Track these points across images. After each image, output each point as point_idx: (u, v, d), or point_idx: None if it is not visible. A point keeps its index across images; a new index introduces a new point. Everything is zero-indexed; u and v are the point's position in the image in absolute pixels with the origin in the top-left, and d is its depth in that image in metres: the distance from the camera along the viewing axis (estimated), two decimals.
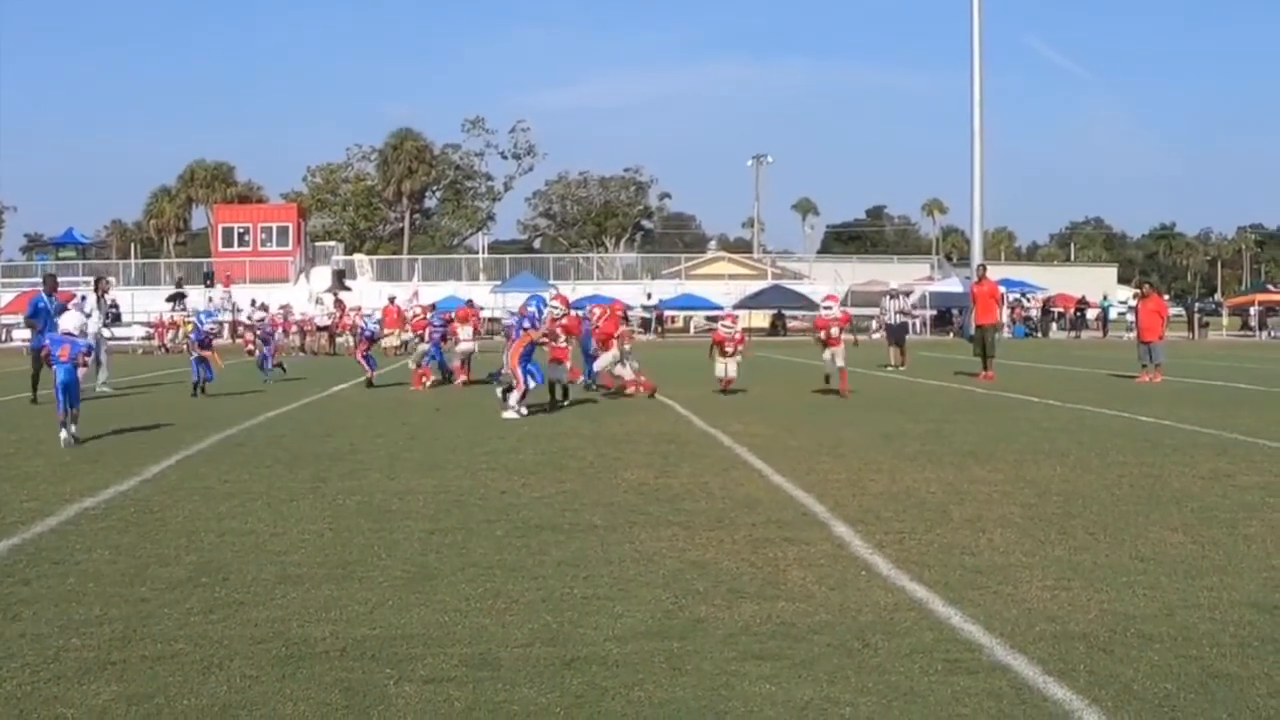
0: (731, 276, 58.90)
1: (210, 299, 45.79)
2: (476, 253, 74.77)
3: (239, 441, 10.56)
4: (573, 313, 15.56)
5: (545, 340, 13.42)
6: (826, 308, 16.65)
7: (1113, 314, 51.23)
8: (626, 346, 15.98)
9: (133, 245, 76.70)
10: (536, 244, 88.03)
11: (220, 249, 58.10)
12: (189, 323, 29.55)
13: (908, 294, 35.29)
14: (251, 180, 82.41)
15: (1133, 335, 24.65)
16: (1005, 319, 39.89)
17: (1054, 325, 51.96)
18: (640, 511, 6.86)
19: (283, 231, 58.09)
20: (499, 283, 53.97)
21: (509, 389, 12.72)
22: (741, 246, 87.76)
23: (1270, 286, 62.79)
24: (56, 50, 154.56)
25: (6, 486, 7.90)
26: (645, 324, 50.84)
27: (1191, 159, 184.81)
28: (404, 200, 78.44)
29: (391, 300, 31.95)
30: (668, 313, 52.87)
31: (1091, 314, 52.55)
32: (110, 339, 20.08)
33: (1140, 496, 7.31)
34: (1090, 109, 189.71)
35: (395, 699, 3.68)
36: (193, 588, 5.07)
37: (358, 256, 63.33)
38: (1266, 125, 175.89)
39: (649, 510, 6.91)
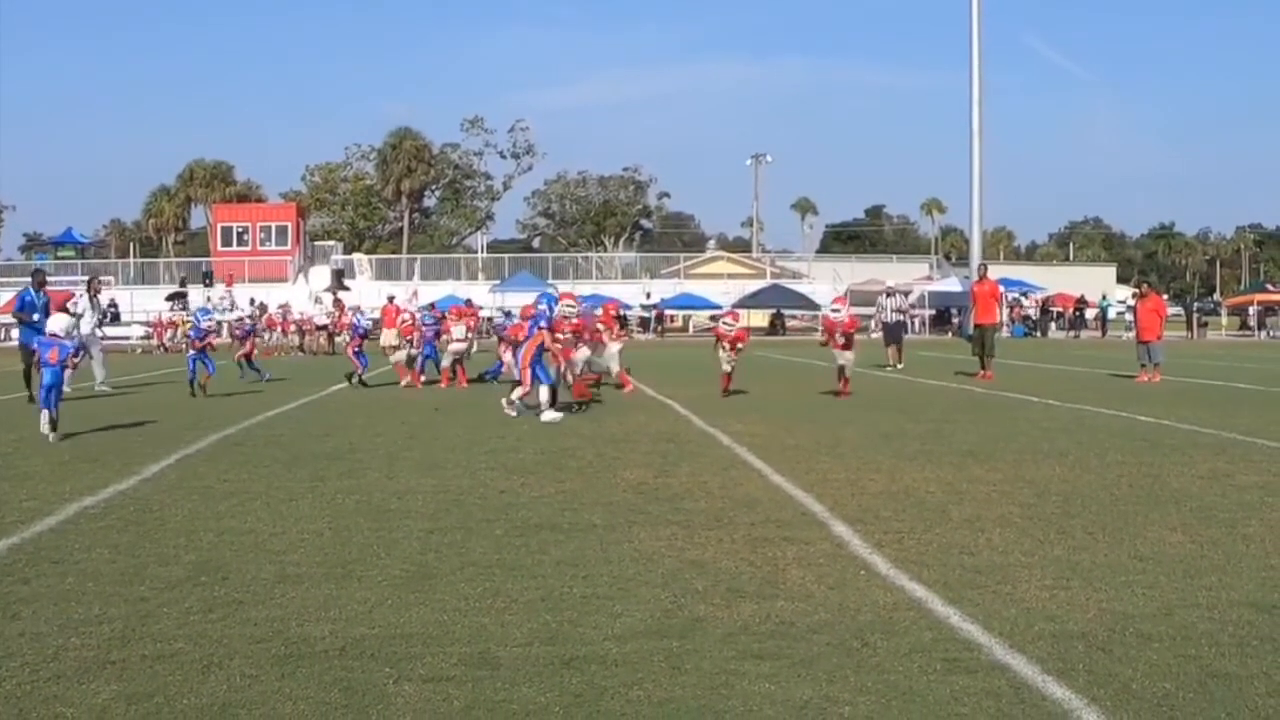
0: (730, 276, 58.92)
1: (209, 298, 45.79)
2: (475, 252, 74.78)
3: (238, 441, 10.56)
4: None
5: (558, 346, 13.14)
6: (834, 309, 16.38)
7: (1111, 314, 51.19)
8: (617, 346, 15.99)
9: (132, 245, 76.59)
10: (535, 243, 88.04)
11: (219, 248, 58.15)
12: (187, 322, 29.52)
13: (906, 294, 35.27)
14: (251, 179, 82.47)
15: (1131, 335, 24.69)
16: (1004, 319, 39.87)
17: (1053, 325, 52.00)
18: (639, 511, 6.86)
19: (282, 231, 58.15)
20: (498, 282, 53.99)
21: (515, 388, 12.57)
22: (740, 246, 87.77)
23: (1269, 286, 62.83)
24: (56, 49, 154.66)
25: (5, 486, 7.89)
26: (644, 323, 50.90)
27: (1191, 158, 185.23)
28: (403, 200, 78.39)
29: (391, 300, 31.91)
30: (667, 312, 52.89)
31: (1090, 314, 52.56)
32: (103, 339, 19.99)
33: (1139, 496, 7.31)
34: (1089, 109, 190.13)
35: (394, 698, 3.68)
36: (192, 587, 5.07)
37: (357, 256, 63.35)
38: (1266, 125, 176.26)
39: (648, 510, 6.91)
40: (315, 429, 11.61)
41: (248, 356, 19.75)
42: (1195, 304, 55.43)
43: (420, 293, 40.23)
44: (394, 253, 69.89)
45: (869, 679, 3.83)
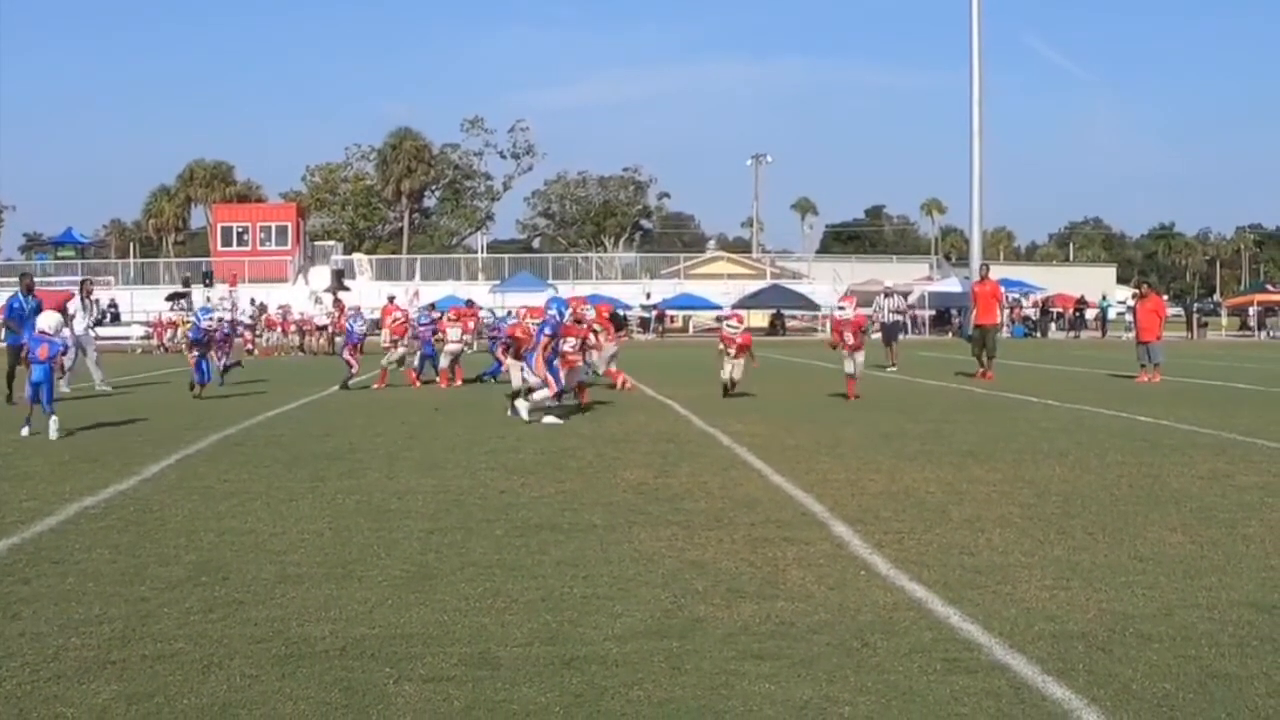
0: (730, 276, 58.93)
1: (208, 298, 45.78)
2: (475, 252, 74.78)
3: (238, 441, 10.56)
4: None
5: (572, 349, 13.04)
6: (840, 308, 15.65)
7: (1111, 314, 51.20)
8: (612, 348, 16.02)
9: (132, 245, 76.55)
10: (535, 244, 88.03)
11: (219, 248, 58.17)
12: (188, 322, 29.49)
13: (904, 294, 35.25)
14: (251, 180, 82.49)
15: (1131, 335, 24.69)
16: (1004, 319, 39.87)
17: (1053, 325, 51.99)
18: (639, 511, 6.87)
19: (282, 231, 58.19)
20: (498, 282, 54.02)
21: (529, 392, 12.45)
22: (740, 246, 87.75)
23: (1269, 286, 62.77)
24: (56, 49, 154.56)
25: (6, 486, 7.90)
26: (644, 324, 50.92)
27: (1191, 158, 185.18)
28: (403, 200, 78.41)
29: (391, 300, 31.92)
30: (667, 312, 52.89)
31: (1090, 314, 52.58)
32: (97, 339, 19.95)
33: (1139, 496, 7.31)
34: (1089, 109, 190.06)
35: (395, 698, 3.68)
36: (192, 587, 5.07)
37: (357, 256, 63.37)
38: (1266, 125, 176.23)
39: (648, 510, 6.91)
40: (315, 429, 11.61)
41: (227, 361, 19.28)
42: (1195, 304, 55.45)
43: (421, 293, 40.24)
44: (394, 253, 69.91)
45: (869, 679, 3.83)
